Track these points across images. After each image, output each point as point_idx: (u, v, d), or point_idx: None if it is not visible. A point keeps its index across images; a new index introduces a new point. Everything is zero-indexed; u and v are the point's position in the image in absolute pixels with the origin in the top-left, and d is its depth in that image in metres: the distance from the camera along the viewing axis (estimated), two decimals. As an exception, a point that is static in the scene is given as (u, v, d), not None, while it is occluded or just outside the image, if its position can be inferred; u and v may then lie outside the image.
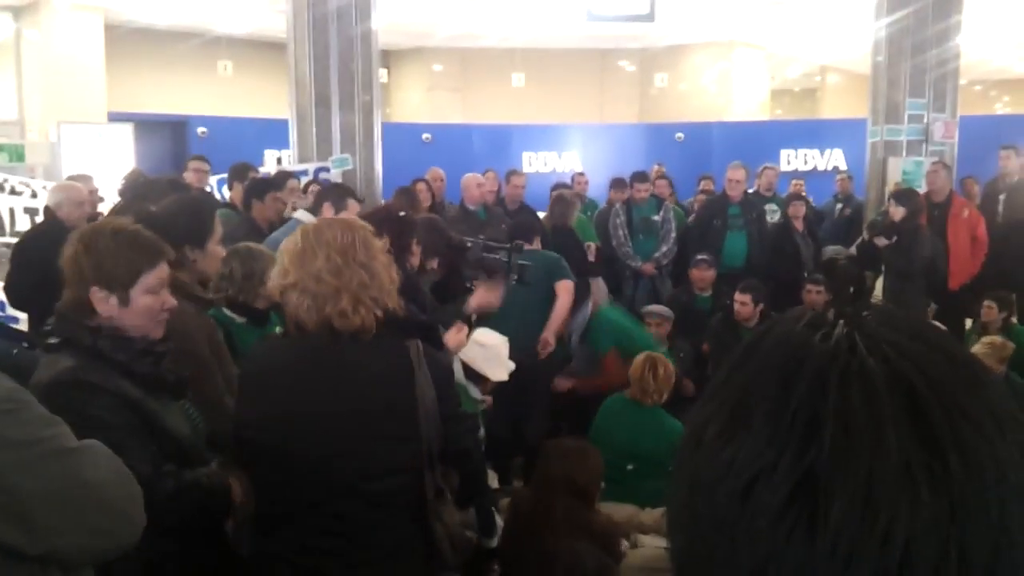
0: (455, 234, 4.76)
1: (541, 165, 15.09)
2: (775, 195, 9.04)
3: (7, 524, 1.51)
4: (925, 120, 9.04)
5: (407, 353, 2.25)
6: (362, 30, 8.66)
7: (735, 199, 7.66)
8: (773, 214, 8.51)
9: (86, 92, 13.76)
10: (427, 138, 14.61)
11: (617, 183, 8.64)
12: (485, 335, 3.45)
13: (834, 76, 21.89)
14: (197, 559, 2.36)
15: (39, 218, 6.51)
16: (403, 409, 2.21)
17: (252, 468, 2.28)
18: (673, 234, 7.74)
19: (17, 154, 10.44)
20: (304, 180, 7.77)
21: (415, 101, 19.54)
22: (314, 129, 8.61)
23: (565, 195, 7.24)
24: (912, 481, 0.49)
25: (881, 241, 6.83)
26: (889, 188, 8.93)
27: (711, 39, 17.95)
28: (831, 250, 8.70)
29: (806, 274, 7.43)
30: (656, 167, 10.83)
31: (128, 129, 12.14)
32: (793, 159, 14.49)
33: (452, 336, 3.27)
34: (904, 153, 9.09)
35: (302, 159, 8.65)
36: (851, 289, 7.39)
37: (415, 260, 3.57)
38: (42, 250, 3.36)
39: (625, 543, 3.85)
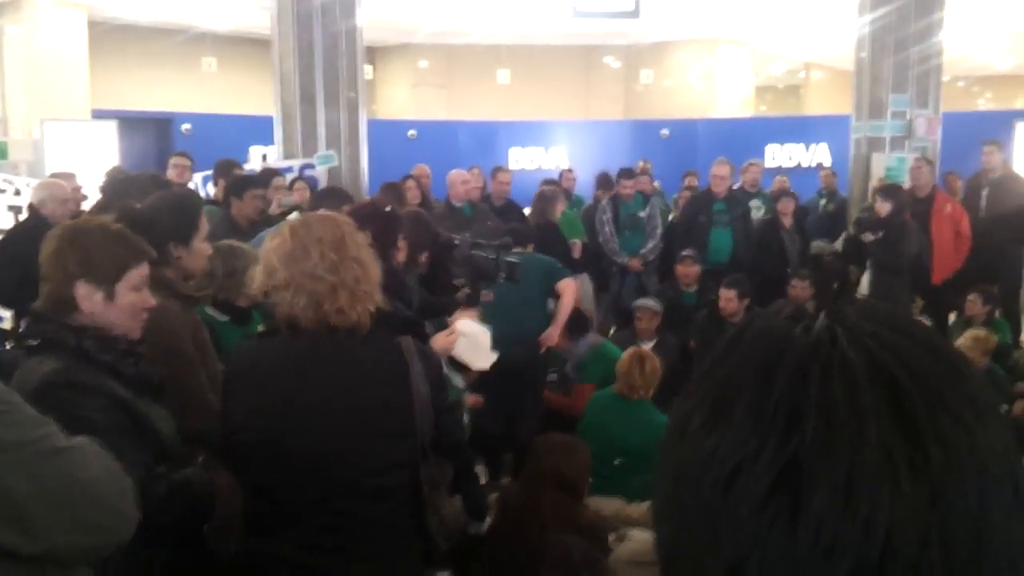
0: (443, 231, 4.76)
1: (527, 162, 15.08)
2: (760, 191, 9.09)
3: (3, 526, 1.51)
4: (908, 116, 9.09)
5: (401, 348, 2.26)
6: (347, 26, 8.64)
7: (720, 195, 7.70)
8: (758, 210, 8.54)
9: (69, 89, 13.67)
10: (413, 135, 14.59)
11: (603, 182, 8.66)
12: (468, 325, 3.45)
13: (818, 72, 21.97)
14: (184, 560, 2.35)
15: (23, 216, 6.47)
16: (400, 404, 2.22)
17: (246, 469, 2.25)
18: (659, 230, 7.76)
19: (0, 152, 10.36)
20: (289, 177, 7.75)
21: (401, 98, 19.50)
22: (299, 126, 8.59)
23: (547, 191, 7.25)
24: (893, 471, 0.50)
25: (868, 237, 6.86)
26: (873, 184, 8.97)
27: (696, 36, 17.98)
28: (816, 245, 8.74)
29: (790, 270, 7.47)
30: (642, 163, 10.86)
31: (112, 126, 12.04)
32: (778, 155, 14.54)
33: (441, 339, 3.26)
34: (887, 149, 9.14)
35: (287, 156, 8.62)
36: (835, 284, 7.43)
37: (401, 256, 3.57)
38: (26, 247, 3.34)
39: (613, 536, 3.88)
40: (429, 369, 2.32)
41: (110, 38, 15.24)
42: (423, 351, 2.37)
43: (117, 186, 5.33)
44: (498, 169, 8.15)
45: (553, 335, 5.25)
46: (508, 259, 4.11)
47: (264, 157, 10.89)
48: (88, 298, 2.20)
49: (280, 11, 8.59)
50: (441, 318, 3.82)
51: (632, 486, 4.33)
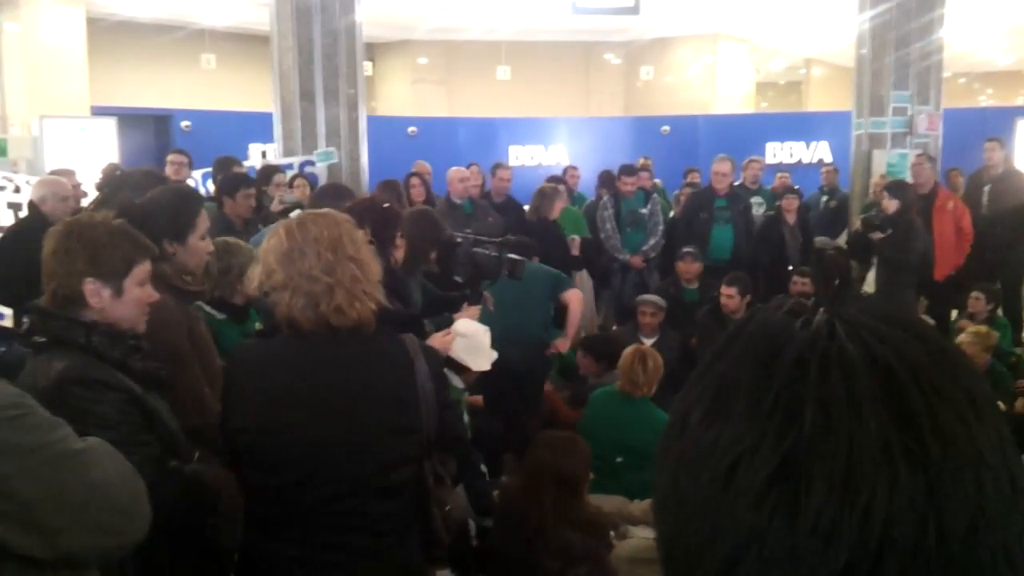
0: (448, 229, 4.75)
1: (527, 158, 15.08)
2: (761, 188, 9.08)
3: (19, 531, 1.51)
4: (909, 112, 9.09)
5: (405, 346, 2.25)
6: (346, 23, 8.63)
7: (721, 192, 7.68)
8: (759, 207, 8.53)
9: (68, 86, 13.67)
10: (412, 131, 14.58)
11: (606, 180, 8.64)
12: (467, 326, 3.43)
13: (819, 69, 21.97)
14: (188, 556, 2.35)
15: (22, 213, 6.46)
16: (406, 401, 2.21)
17: (250, 470, 2.24)
18: (661, 227, 7.75)
19: (-1, 149, 10.36)
20: (289, 174, 7.75)
21: (400, 94, 19.49)
22: (299, 123, 8.58)
23: (546, 189, 7.24)
24: (891, 462, 0.50)
25: (877, 235, 6.84)
26: (874, 180, 8.98)
27: (696, 32, 17.98)
28: (818, 241, 8.73)
29: (791, 267, 7.46)
30: (642, 160, 10.85)
31: (111, 123, 12.03)
32: (778, 152, 14.54)
33: (438, 340, 3.25)
34: (888, 145, 9.14)
35: (287, 153, 8.62)
36: (836, 280, 7.41)
37: (399, 254, 3.54)
38: (26, 244, 3.33)
39: (613, 534, 3.87)
40: (432, 366, 2.32)
41: (109, 35, 15.24)
42: (426, 348, 2.37)
43: (114, 182, 5.33)
44: (498, 166, 8.13)
45: (565, 344, 5.39)
46: (510, 256, 4.09)
47: (264, 154, 10.89)
48: (97, 294, 2.21)
49: (279, 7, 8.58)
50: (446, 316, 3.80)
51: (633, 484, 4.32)
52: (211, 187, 7.41)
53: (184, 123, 13.60)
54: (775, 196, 8.87)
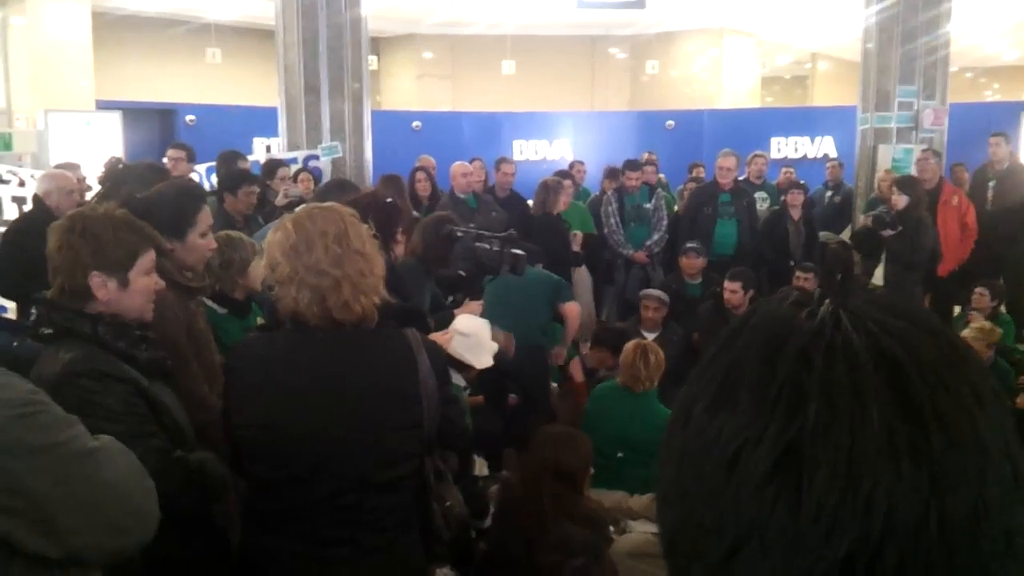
0: (456, 226, 4.74)
1: (532, 153, 15.06)
2: (765, 183, 9.06)
3: (29, 529, 1.50)
4: (915, 107, 9.06)
5: (408, 342, 2.24)
6: (351, 17, 8.62)
7: (725, 187, 7.67)
8: (763, 202, 8.52)
9: (73, 80, 13.68)
10: (417, 126, 14.56)
11: (610, 172, 8.64)
12: (466, 323, 3.40)
13: (824, 63, 21.91)
14: (195, 547, 2.36)
15: (27, 207, 6.47)
16: (409, 397, 2.21)
17: (252, 465, 2.24)
18: (665, 222, 7.75)
19: (4, 143, 10.36)
20: (294, 168, 7.75)
21: (405, 88, 19.48)
22: (303, 117, 8.58)
23: (550, 182, 7.23)
24: (894, 452, 0.51)
25: (888, 233, 6.81)
26: (879, 175, 8.95)
27: (701, 26, 17.94)
28: (823, 235, 8.71)
29: (792, 263, 7.45)
30: (646, 155, 10.83)
31: (116, 117, 12.04)
32: (783, 147, 14.50)
33: (437, 339, 3.23)
34: (894, 140, 9.11)
35: (291, 147, 8.62)
36: (839, 274, 7.41)
37: (399, 249, 3.53)
38: (31, 238, 3.34)
39: (613, 529, 3.87)
40: (434, 361, 2.31)
41: (114, 29, 15.24)
42: (428, 344, 2.36)
43: (116, 176, 5.32)
44: (502, 160, 8.12)
45: (561, 353, 5.61)
46: (512, 252, 4.07)
47: (268, 148, 10.89)
48: (103, 287, 2.22)
49: (284, 1, 8.58)
50: (446, 312, 3.78)
51: (634, 479, 4.32)
52: (215, 181, 7.41)
53: (189, 117, 13.61)
54: (780, 191, 8.85)
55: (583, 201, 8.65)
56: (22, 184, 7.55)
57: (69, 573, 1.60)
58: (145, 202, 2.89)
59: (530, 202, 7.55)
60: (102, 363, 2.15)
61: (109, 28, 14.93)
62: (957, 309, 7.34)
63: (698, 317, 6.41)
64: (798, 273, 6.84)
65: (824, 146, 14.31)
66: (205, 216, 3.02)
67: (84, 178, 7.11)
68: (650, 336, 5.80)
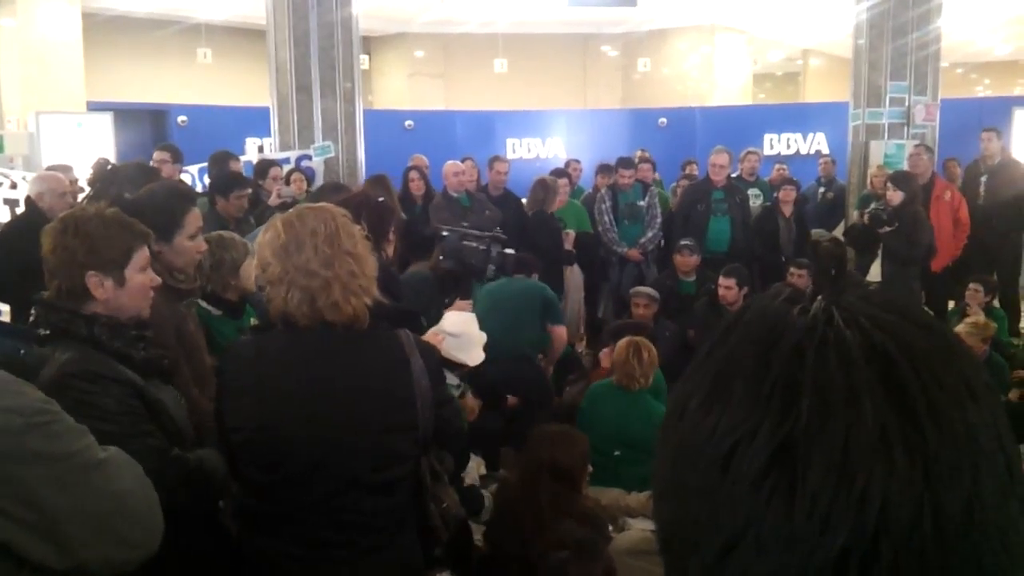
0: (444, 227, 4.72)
1: (525, 151, 15.06)
2: (758, 179, 9.07)
3: (37, 540, 1.49)
4: (906, 103, 9.08)
5: (401, 343, 2.23)
6: (342, 16, 8.61)
7: (718, 184, 7.67)
8: (756, 199, 8.52)
9: (64, 81, 13.63)
10: (409, 125, 14.55)
11: (604, 168, 8.63)
12: (454, 322, 3.38)
13: (816, 60, 21.94)
14: (197, 545, 2.35)
15: (19, 209, 6.45)
16: (402, 398, 2.20)
17: (246, 468, 2.24)
18: (658, 219, 7.75)
19: (-4, 145, 10.35)
20: (286, 168, 7.73)
21: (397, 87, 19.46)
22: (295, 116, 8.57)
23: (548, 180, 7.23)
24: (887, 447, 0.51)
25: (885, 230, 6.82)
26: (871, 171, 8.97)
27: (693, 23, 17.95)
28: (815, 233, 8.72)
29: (784, 258, 7.46)
30: (639, 152, 10.83)
31: (107, 119, 12.01)
32: (776, 143, 14.53)
33: (429, 338, 3.21)
34: (886, 136, 9.13)
35: (283, 147, 8.60)
36: (832, 270, 7.41)
37: (390, 249, 3.52)
38: (25, 241, 3.32)
39: (611, 527, 3.87)
40: (428, 361, 2.30)
41: (105, 30, 15.20)
42: (422, 344, 2.35)
43: (105, 177, 5.31)
44: (495, 159, 8.10)
45: (547, 367, 5.67)
46: (499, 251, 4.04)
47: (260, 148, 10.87)
48: (100, 286, 2.22)
49: (275, 1, 8.56)
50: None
51: (632, 477, 4.32)
52: (208, 182, 7.39)
53: (180, 118, 13.58)
54: (772, 188, 8.86)
55: (578, 199, 8.64)
56: (14, 186, 7.52)
57: None
58: (133, 203, 2.87)
59: (524, 200, 7.54)
60: (96, 364, 2.15)
61: (100, 29, 14.89)
62: (951, 304, 7.36)
63: (693, 314, 6.42)
64: (792, 269, 6.84)
65: (816, 142, 14.35)
66: (194, 218, 2.99)
67: (76, 180, 7.09)
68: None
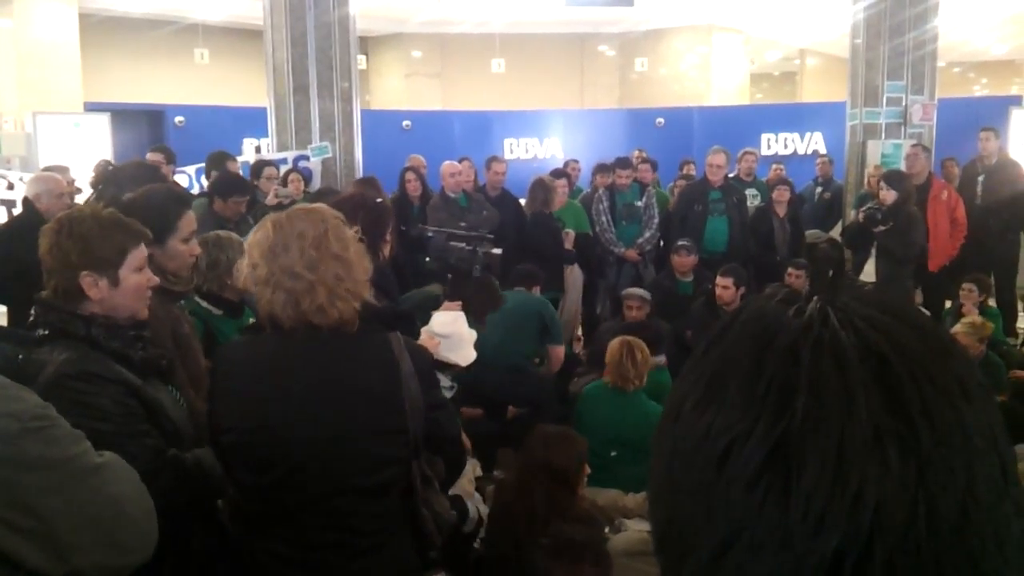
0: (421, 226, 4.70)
1: (523, 152, 15.06)
2: (755, 180, 9.06)
3: (33, 546, 1.49)
4: (904, 102, 9.09)
5: (390, 346, 2.21)
6: (339, 16, 8.60)
7: (716, 184, 7.67)
8: (754, 198, 8.52)
9: (61, 82, 13.63)
10: (407, 125, 14.54)
11: (601, 168, 8.63)
12: (442, 322, 3.34)
13: (813, 59, 21.95)
14: (195, 545, 2.35)
15: (16, 210, 6.44)
16: (391, 402, 2.17)
17: (239, 470, 2.23)
18: (656, 220, 7.75)
19: (-8, 146, 10.35)
20: (284, 168, 7.73)
21: (394, 88, 19.45)
22: (292, 117, 8.57)
23: (545, 180, 7.22)
24: (881, 446, 0.51)
25: (880, 229, 6.83)
26: (869, 171, 8.98)
27: (690, 23, 17.96)
28: (811, 234, 8.73)
29: (779, 258, 7.46)
30: (637, 153, 10.83)
31: (104, 119, 12.01)
32: (773, 143, 14.54)
33: (425, 343, 3.19)
34: (883, 136, 9.14)
35: (281, 147, 8.60)
36: (830, 272, 7.42)
37: (387, 250, 3.50)
38: (22, 241, 3.31)
39: (608, 528, 3.87)
40: (419, 365, 2.27)
41: (102, 30, 15.19)
42: (413, 347, 2.32)
43: (107, 178, 5.30)
44: (493, 159, 8.09)
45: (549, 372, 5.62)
46: (487, 251, 3.99)
47: (258, 149, 10.86)
48: (95, 286, 2.22)
49: (272, 1, 8.55)
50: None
51: (628, 477, 4.32)
52: (205, 182, 7.39)
53: (178, 118, 13.57)
54: (770, 188, 8.87)
55: (576, 199, 8.64)
56: (11, 187, 7.53)
57: None
58: (127, 206, 2.86)
59: (522, 201, 7.54)
60: (92, 364, 2.14)
61: (96, 30, 14.87)
62: (948, 303, 7.37)
63: (690, 314, 6.42)
64: (790, 270, 6.86)
65: (814, 142, 14.35)
66: (188, 221, 2.97)
67: (73, 180, 7.08)
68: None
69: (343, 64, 8.69)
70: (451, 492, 2.84)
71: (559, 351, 5.57)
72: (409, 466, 2.26)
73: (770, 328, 0.57)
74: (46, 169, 6.81)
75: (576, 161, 10.31)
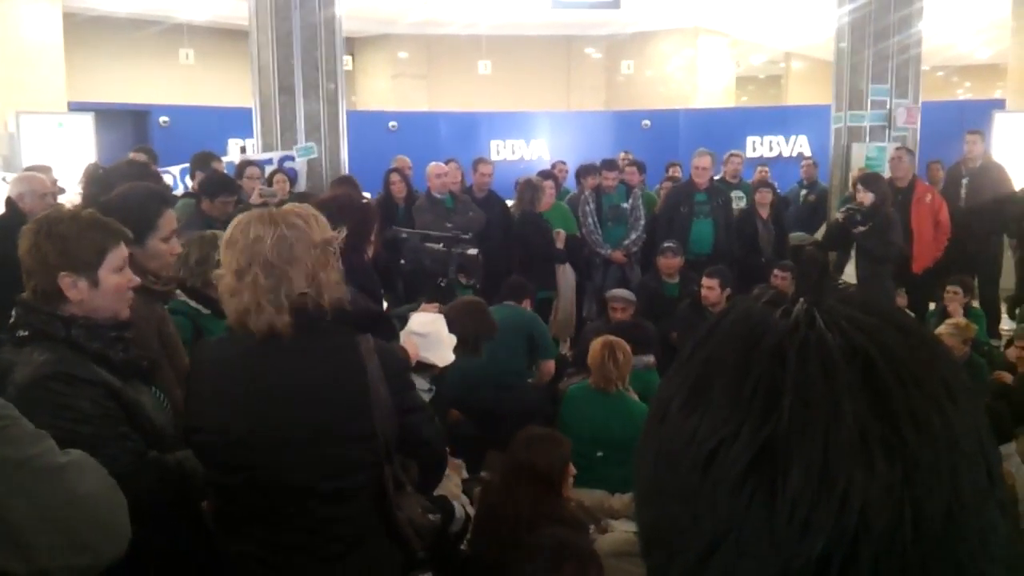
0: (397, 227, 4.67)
1: (509, 153, 15.06)
2: (741, 182, 9.10)
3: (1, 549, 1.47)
4: (888, 106, 9.13)
5: (357, 348, 2.17)
6: (325, 16, 8.58)
7: (701, 186, 7.70)
8: (739, 201, 8.55)
9: (45, 82, 13.50)
10: (393, 126, 14.52)
11: (586, 170, 8.64)
12: (421, 322, 3.31)
13: (798, 63, 22.04)
14: (178, 546, 2.34)
15: (0, 210, 6.38)
16: (357, 406, 2.14)
17: (210, 470, 2.23)
18: (642, 221, 7.76)
19: (-26, 145, 10.26)
20: (269, 169, 7.70)
21: (380, 89, 19.40)
22: (278, 117, 8.53)
23: (533, 180, 7.23)
24: (867, 449, 0.51)
25: (859, 229, 6.87)
26: (853, 174, 9.02)
27: (676, 26, 18.00)
28: (796, 236, 8.77)
29: (763, 260, 7.49)
30: (623, 155, 10.85)
31: (88, 119, 11.93)
32: (758, 146, 14.59)
33: (407, 345, 3.16)
34: (867, 139, 9.18)
35: (266, 148, 8.56)
36: (816, 274, 7.46)
37: (371, 250, 3.48)
38: (5, 241, 3.28)
39: (594, 528, 3.87)
40: (390, 367, 2.23)
41: (86, 30, 15.08)
42: (384, 349, 2.27)
43: (98, 180, 5.25)
44: (479, 160, 8.10)
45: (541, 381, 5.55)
46: (462, 253, 3.95)
47: (243, 149, 10.82)
48: (74, 287, 2.21)
49: (258, 1, 8.52)
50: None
51: (614, 478, 4.32)
52: (190, 183, 7.35)
53: (163, 118, 13.50)
54: (754, 190, 8.90)
55: (563, 200, 8.64)
56: (-7, 187, 7.45)
57: None
58: (105, 205, 2.83)
59: (509, 202, 7.54)
60: (71, 366, 2.13)
61: (81, 29, 14.77)
62: (932, 306, 7.41)
63: (676, 316, 6.43)
64: (775, 271, 6.89)
65: (799, 145, 14.42)
66: (168, 220, 2.94)
67: (56, 181, 7.03)
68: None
69: (329, 65, 8.67)
70: (436, 493, 2.83)
71: (550, 365, 5.50)
72: (381, 469, 2.23)
73: (756, 329, 0.56)
74: (28, 169, 6.76)
75: (563, 162, 10.31)
